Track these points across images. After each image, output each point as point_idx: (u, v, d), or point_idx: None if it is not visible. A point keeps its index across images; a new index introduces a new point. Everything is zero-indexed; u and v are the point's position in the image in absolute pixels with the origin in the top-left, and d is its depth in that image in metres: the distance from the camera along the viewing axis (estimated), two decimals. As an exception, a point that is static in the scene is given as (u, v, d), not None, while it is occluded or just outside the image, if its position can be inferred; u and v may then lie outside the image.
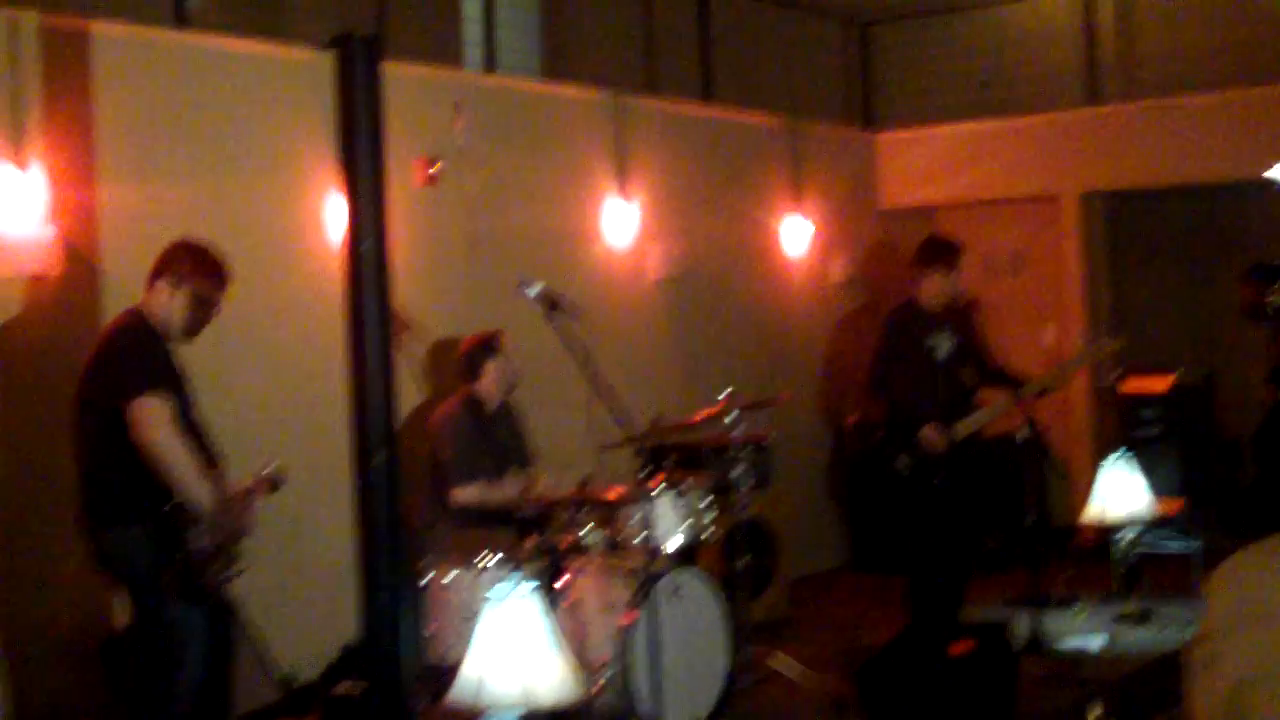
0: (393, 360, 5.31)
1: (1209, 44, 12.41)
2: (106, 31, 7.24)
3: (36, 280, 6.86)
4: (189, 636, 5.67)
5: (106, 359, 5.74)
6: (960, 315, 8.48)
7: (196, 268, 5.94)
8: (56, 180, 6.90)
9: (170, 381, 5.76)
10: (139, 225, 7.17)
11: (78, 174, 7.04)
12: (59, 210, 6.91)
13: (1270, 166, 10.90)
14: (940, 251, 8.47)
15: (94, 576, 5.90)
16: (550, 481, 7.71)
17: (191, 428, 5.81)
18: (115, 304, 6.72)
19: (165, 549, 5.57)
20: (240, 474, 6.04)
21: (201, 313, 5.99)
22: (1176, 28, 12.71)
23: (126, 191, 7.24)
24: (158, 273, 5.93)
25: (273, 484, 6.08)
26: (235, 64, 7.87)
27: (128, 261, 6.94)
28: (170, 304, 5.89)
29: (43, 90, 6.92)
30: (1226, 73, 12.00)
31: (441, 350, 8.55)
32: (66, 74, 7.05)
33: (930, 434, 8.19)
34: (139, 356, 5.70)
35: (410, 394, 8.31)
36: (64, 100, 7.02)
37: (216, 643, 5.88)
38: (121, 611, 6.12)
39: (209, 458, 5.86)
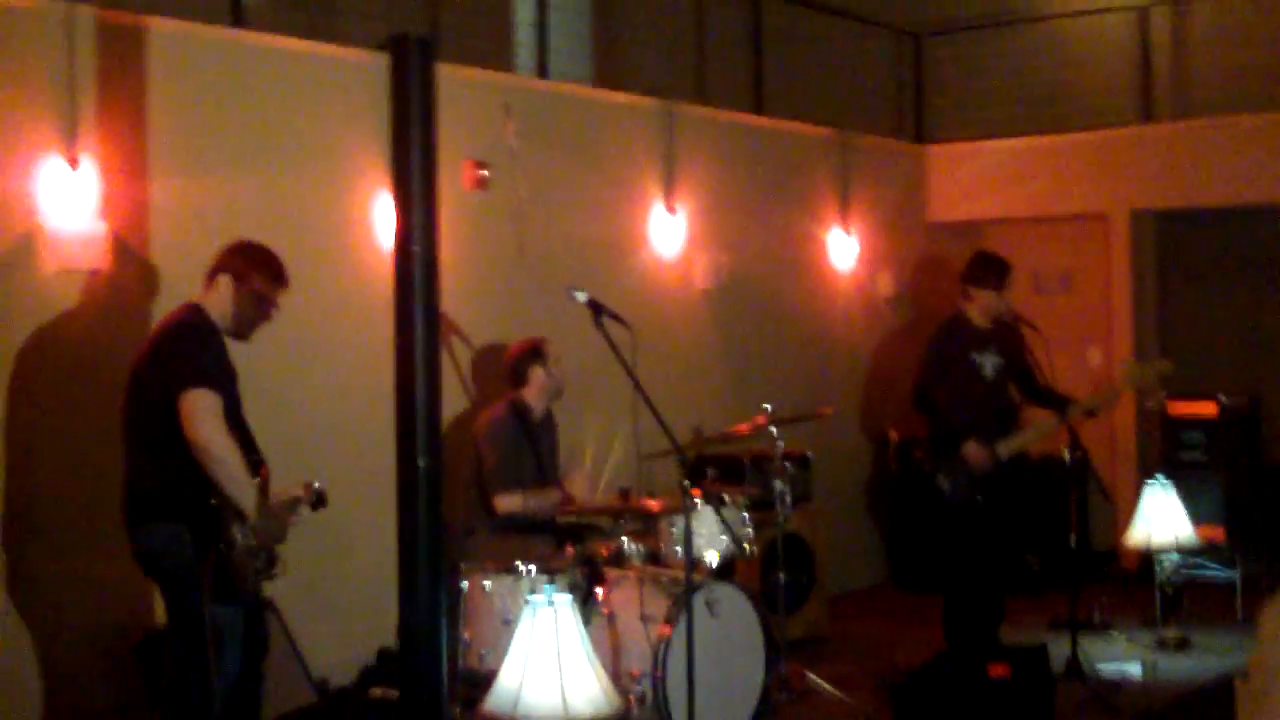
0: (439, 365, 5.29)
1: (1263, 64, 12.31)
2: (162, 28, 7.27)
3: (89, 275, 6.90)
4: (225, 636, 5.66)
5: (161, 350, 5.75)
6: (1008, 333, 8.42)
7: (258, 267, 5.96)
8: (109, 176, 6.94)
9: (222, 378, 5.76)
10: (190, 222, 7.20)
11: (130, 170, 7.08)
12: (111, 206, 6.94)
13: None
14: (991, 268, 8.41)
15: (134, 574, 5.90)
16: (588, 483, 7.70)
17: (238, 428, 5.81)
18: (166, 300, 6.76)
19: (205, 546, 5.57)
20: (283, 476, 6.03)
21: (260, 312, 6.00)
22: (1231, 47, 12.62)
23: (178, 188, 7.27)
24: (219, 269, 5.94)
25: (319, 497, 6.06)
26: (289, 63, 7.89)
27: (178, 258, 6.98)
28: (230, 301, 5.90)
29: (97, 86, 6.95)
30: (1279, 93, 11.91)
31: (488, 355, 8.55)
32: (121, 70, 7.08)
33: (974, 452, 8.13)
34: (194, 350, 5.71)
35: (456, 398, 8.32)
36: (118, 96, 7.06)
37: (252, 643, 5.88)
38: (160, 610, 6.13)
39: (255, 460, 5.85)
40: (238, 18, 8.03)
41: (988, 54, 13.53)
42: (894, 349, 11.59)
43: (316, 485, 6.04)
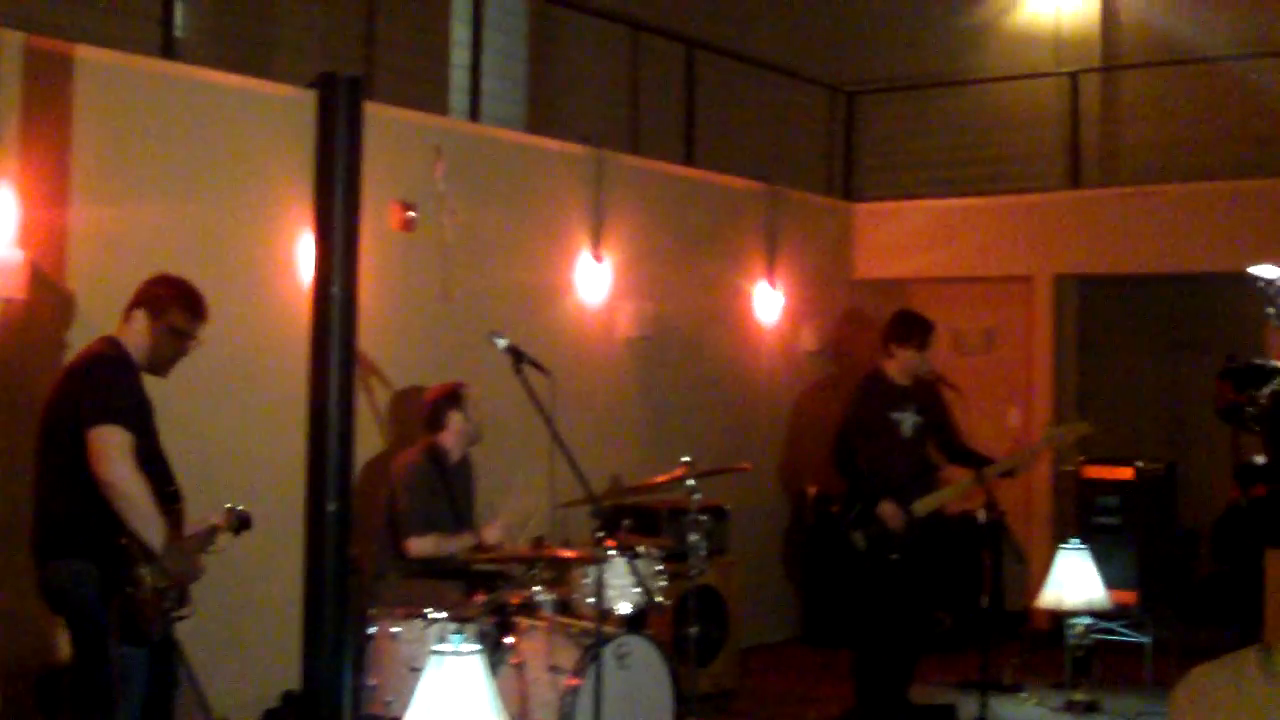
0: (353, 408, 5.26)
1: (1192, 136, 12.49)
2: (91, 57, 7.22)
3: (4, 304, 6.81)
4: (128, 675, 5.58)
5: (73, 384, 5.67)
6: (927, 391, 8.48)
7: (176, 302, 5.89)
8: (29, 203, 6.85)
9: (136, 413, 5.69)
10: (110, 252, 7.14)
11: (50, 197, 7.00)
12: (30, 233, 6.85)
13: (1247, 259, 10.95)
14: (915, 328, 8.46)
15: (40, 608, 5.81)
16: (504, 531, 7.65)
17: (154, 461, 5.74)
18: (83, 330, 6.68)
19: (111, 585, 5.49)
20: (194, 510, 5.97)
21: (177, 348, 5.93)
22: (1161, 117, 12.80)
23: (99, 217, 7.20)
24: (138, 303, 5.87)
25: (241, 521, 6.00)
26: (218, 97, 7.85)
27: (97, 288, 6.91)
28: (147, 335, 5.83)
29: (20, 111, 6.89)
30: (1208, 165, 12.08)
31: (407, 398, 8.51)
32: (47, 97, 7.02)
33: (889, 511, 8.16)
34: (106, 385, 5.63)
35: (372, 438, 8.27)
36: (42, 123, 6.99)
37: (156, 683, 5.79)
38: (64, 646, 6.04)
39: (171, 493, 5.79)
40: (168, 50, 7.99)
41: (918, 114, 13.66)
42: (815, 403, 11.64)
43: (239, 508, 5.98)
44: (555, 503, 6.85)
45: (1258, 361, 8.73)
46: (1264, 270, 7.51)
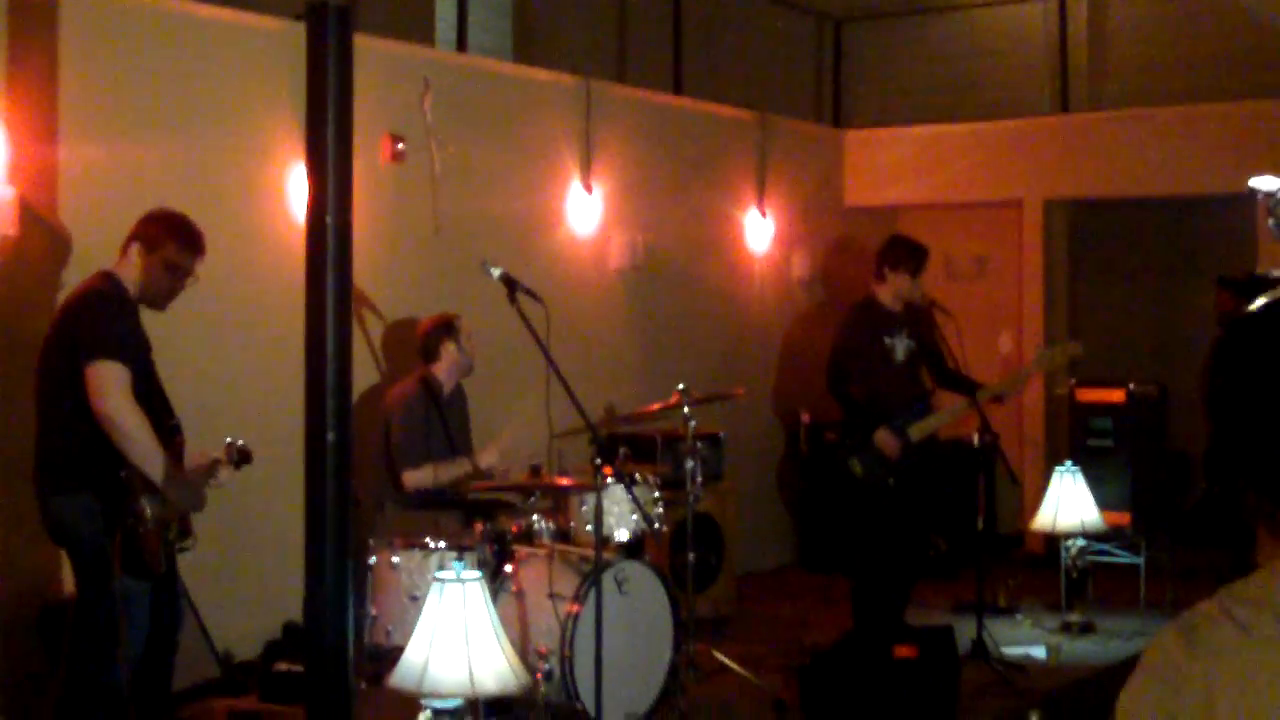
0: (350, 338, 5.25)
1: (1179, 57, 12.46)
2: (73, -7, 7.17)
3: (-6, 240, 6.79)
4: (131, 609, 5.61)
5: (71, 319, 5.68)
6: (919, 316, 8.48)
7: (174, 236, 5.88)
8: (18, 140, 6.82)
9: (134, 348, 5.70)
10: (100, 188, 7.11)
11: (40, 135, 6.97)
12: (19, 171, 6.83)
13: (1237, 181, 10.92)
14: (910, 252, 8.44)
15: (42, 544, 5.83)
16: (498, 455, 7.67)
17: (153, 395, 5.75)
18: (75, 267, 6.67)
19: (113, 518, 5.51)
20: (193, 444, 5.98)
21: (174, 282, 5.93)
22: (1148, 40, 12.76)
23: (89, 154, 7.17)
24: (134, 237, 5.86)
25: (242, 455, 6.01)
26: (205, 30, 7.81)
27: (87, 224, 6.89)
28: (145, 270, 5.82)
29: (7, 49, 6.84)
30: (1195, 87, 12.05)
31: (399, 330, 8.51)
32: (32, 34, 6.97)
33: (885, 436, 8.18)
34: (103, 320, 5.64)
35: (367, 372, 8.28)
36: (28, 61, 6.95)
37: (159, 616, 5.82)
38: (68, 580, 6.06)
39: (172, 426, 5.80)
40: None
41: (907, 41, 13.61)
42: (807, 331, 11.64)
43: (239, 443, 5.99)
44: (551, 431, 6.86)
45: (1259, 272, 8.72)
46: (1264, 182, 7.47)
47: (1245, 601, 1.88)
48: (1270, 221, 7.37)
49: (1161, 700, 1.81)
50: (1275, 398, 1.98)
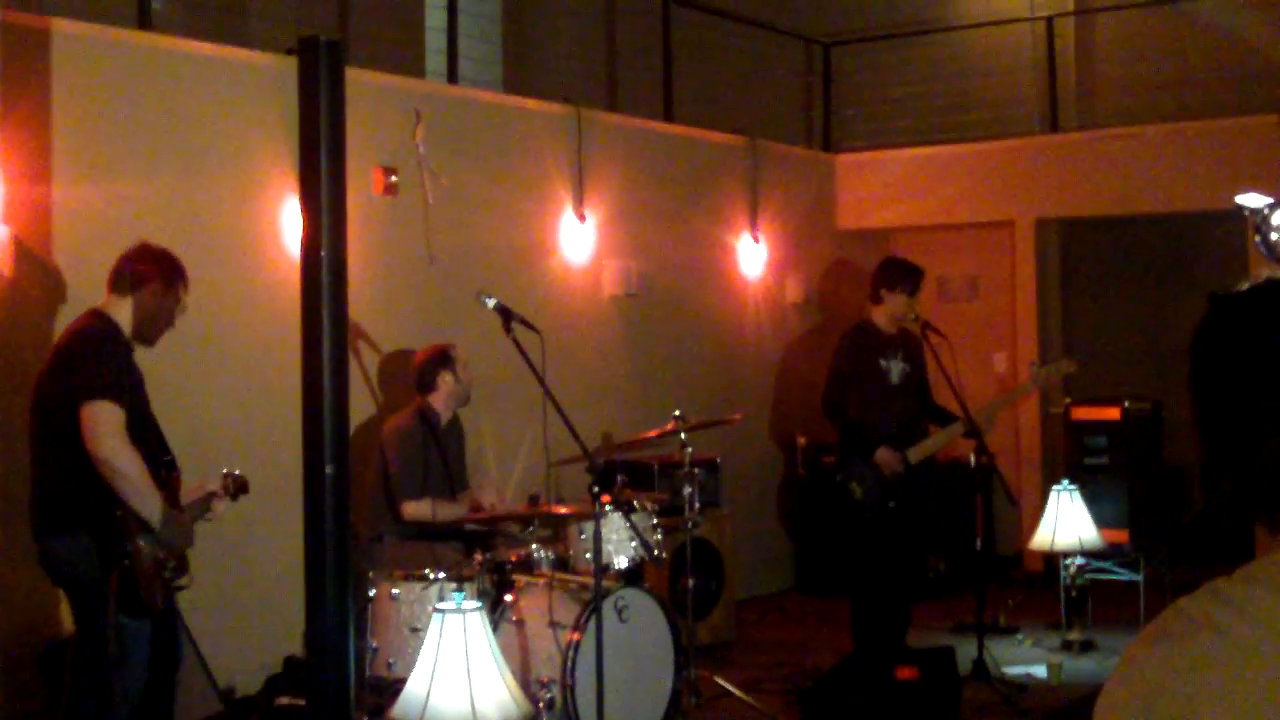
0: (347, 371, 5.27)
1: (1167, 76, 12.51)
2: (68, 30, 7.20)
3: (-10, 280, 6.81)
4: (130, 646, 5.60)
5: (64, 360, 5.68)
6: (911, 339, 8.50)
7: (161, 271, 5.89)
8: (11, 179, 6.84)
9: (127, 386, 5.69)
10: (95, 226, 7.13)
11: (32, 173, 6.99)
12: (13, 210, 6.84)
13: (1227, 197, 10.96)
14: (905, 273, 8.46)
15: (42, 582, 5.83)
16: (499, 495, 7.69)
17: (147, 433, 5.75)
18: (70, 305, 6.67)
19: (111, 558, 5.51)
20: (190, 480, 5.99)
21: (163, 316, 5.94)
22: (1136, 59, 12.82)
23: (83, 192, 7.19)
24: (118, 274, 5.87)
25: (239, 486, 6.03)
26: (197, 67, 7.84)
27: (82, 262, 6.90)
28: (142, 307, 5.83)
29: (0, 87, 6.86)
30: (1183, 105, 12.10)
31: (395, 361, 8.52)
32: (25, 71, 7.00)
33: (887, 457, 8.19)
34: (96, 360, 5.63)
35: (363, 403, 8.29)
36: (21, 98, 6.97)
37: (159, 653, 5.82)
38: (66, 619, 6.06)
39: (167, 462, 5.80)
40: (144, 20, 7.97)
41: (895, 63, 13.65)
42: (802, 355, 11.66)
43: (236, 473, 6.01)
44: (548, 459, 6.87)
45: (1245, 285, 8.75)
46: (1250, 199, 7.49)
47: (1245, 579, 1.83)
48: (1257, 239, 7.39)
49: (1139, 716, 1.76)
50: (1257, 379, 1.94)
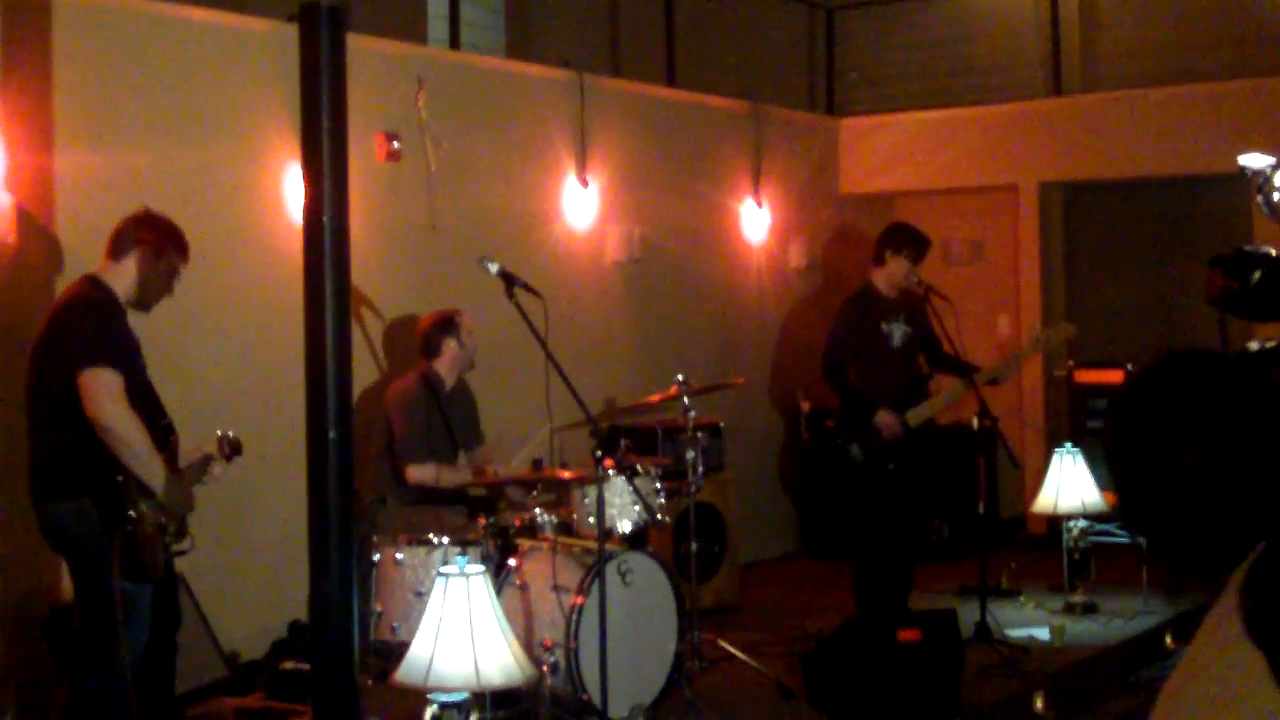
0: (350, 336, 5.28)
1: (1171, 38, 12.47)
2: (68, -1, 7.19)
3: (-8, 247, 6.82)
4: (132, 612, 5.63)
5: (60, 327, 5.68)
6: (914, 302, 8.51)
7: (158, 237, 5.89)
8: (13, 147, 6.85)
9: (124, 352, 5.70)
10: (96, 194, 7.13)
11: (35, 141, 6.99)
12: (16, 178, 6.85)
13: (1230, 160, 10.94)
14: (910, 238, 8.47)
15: (43, 549, 5.86)
16: (504, 460, 7.72)
17: (145, 397, 5.77)
18: (71, 272, 6.67)
19: (112, 523, 5.53)
20: (188, 445, 6.01)
21: (161, 283, 5.94)
22: (1140, 21, 12.77)
23: (84, 159, 7.19)
24: (117, 240, 5.87)
25: (233, 447, 6.04)
26: (198, 34, 7.83)
27: (84, 230, 6.90)
28: (130, 273, 5.83)
29: (1, 58, 6.86)
30: (1188, 67, 12.07)
31: (399, 327, 8.54)
32: (25, 40, 6.99)
33: (887, 420, 8.22)
34: (93, 326, 5.64)
35: (366, 370, 8.31)
36: (21, 67, 6.97)
37: (161, 618, 5.85)
38: (68, 585, 6.09)
39: (165, 426, 5.82)
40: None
41: (898, 28, 13.62)
42: (805, 319, 11.66)
43: (230, 434, 6.02)
44: (552, 425, 6.89)
45: (1247, 248, 8.72)
46: (1253, 159, 7.48)
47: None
48: (1259, 199, 7.38)
49: None
50: (1174, 451, 2.07)
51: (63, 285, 6.56)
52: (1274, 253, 8.23)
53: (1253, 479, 2.01)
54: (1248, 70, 11.50)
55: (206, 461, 5.98)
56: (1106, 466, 2.22)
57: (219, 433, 6.04)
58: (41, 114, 7.03)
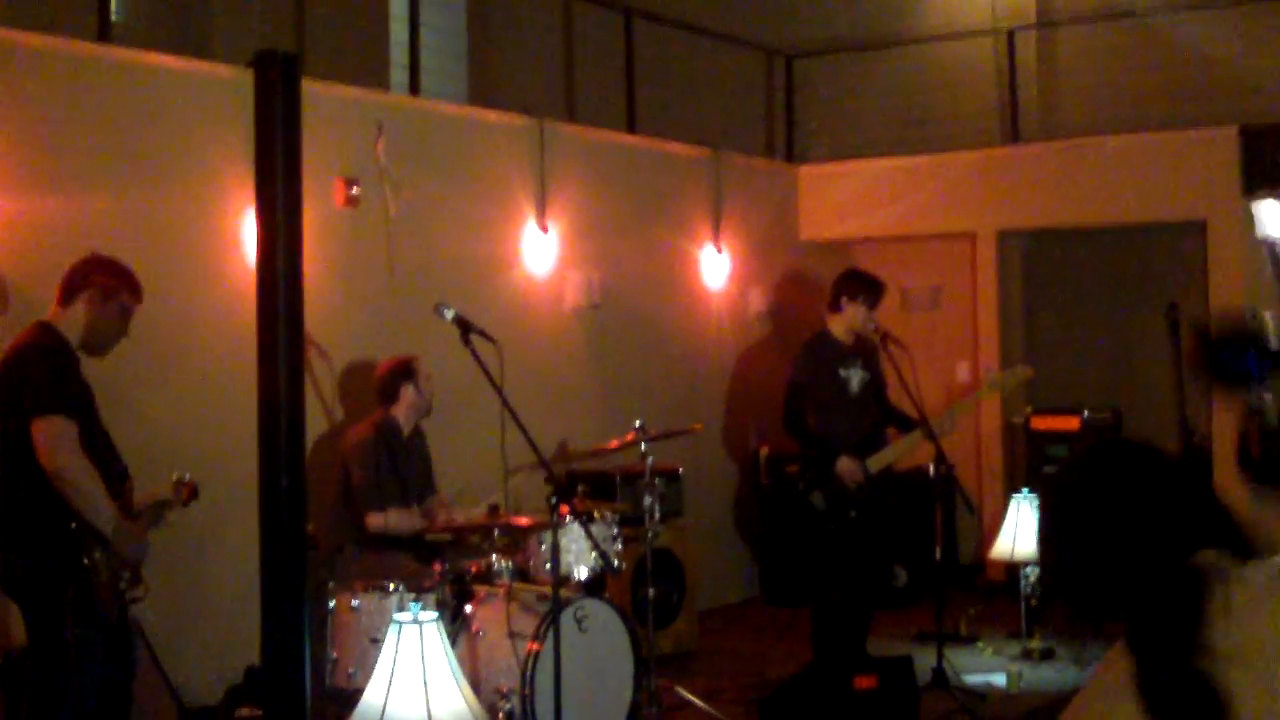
0: (303, 384, 5.30)
1: (1128, 86, 12.60)
2: (21, 41, 7.17)
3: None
4: (86, 659, 5.59)
5: (12, 375, 5.64)
6: (869, 349, 8.54)
7: (107, 279, 5.85)
8: (-30, 192, 6.82)
9: (78, 399, 5.67)
10: (49, 239, 7.08)
11: (-9, 186, 6.96)
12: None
13: (1187, 208, 11.06)
14: (865, 285, 8.50)
15: (-3, 595, 5.82)
16: (459, 506, 7.70)
17: (99, 443, 5.74)
18: (17, 318, 6.64)
19: (66, 571, 5.50)
20: (143, 489, 5.97)
21: (114, 325, 5.89)
22: (1097, 70, 12.90)
23: (37, 204, 7.15)
24: (67, 285, 5.84)
25: (191, 492, 5.99)
26: (156, 79, 7.82)
27: (34, 276, 6.84)
28: (98, 318, 5.79)
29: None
30: (1145, 116, 12.18)
31: (355, 372, 8.53)
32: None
33: (848, 466, 8.21)
34: (45, 372, 5.60)
35: (319, 415, 8.29)
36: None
37: (114, 665, 5.81)
38: (19, 631, 6.04)
39: (119, 472, 5.79)
40: (104, 33, 7.96)
41: (857, 75, 13.72)
42: (765, 365, 11.68)
43: (187, 477, 5.95)
44: (508, 470, 6.89)
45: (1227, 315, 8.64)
46: (1271, 225, 7.48)
47: None
48: (1268, 270, 7.35)
49: None
50: (1110, 534, 2.43)
51: (12, 333, 6.53)
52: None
53: (1140, 564, 2.41)
54: (1205, 120, 11.61)
55: (161, 506, 5.94)
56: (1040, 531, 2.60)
57: (174, 476, 5.98)
58: (-2, 159, 7.00)
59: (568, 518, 6.96)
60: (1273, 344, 4.41)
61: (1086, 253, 13.02)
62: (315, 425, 8.11)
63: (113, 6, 8.34)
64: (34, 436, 5.45)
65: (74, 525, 5.50)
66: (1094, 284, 13.10)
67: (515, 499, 8.16)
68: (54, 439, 5.46)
